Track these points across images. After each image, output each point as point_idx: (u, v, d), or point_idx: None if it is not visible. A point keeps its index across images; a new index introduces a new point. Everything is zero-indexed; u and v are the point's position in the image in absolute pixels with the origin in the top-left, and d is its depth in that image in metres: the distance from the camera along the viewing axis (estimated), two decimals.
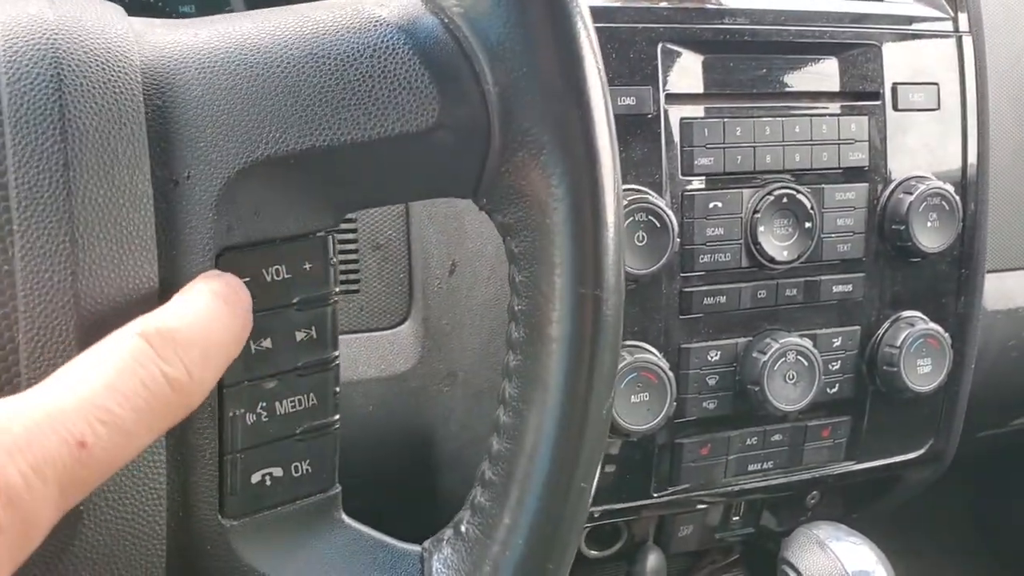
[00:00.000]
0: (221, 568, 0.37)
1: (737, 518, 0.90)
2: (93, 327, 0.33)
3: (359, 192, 0.39)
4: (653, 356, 0.72)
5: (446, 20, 0.37)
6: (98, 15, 0.36)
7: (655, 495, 0.78)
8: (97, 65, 0.34)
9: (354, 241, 0.70)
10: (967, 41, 0.81)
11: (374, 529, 0.42)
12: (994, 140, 0.83)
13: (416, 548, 0.41)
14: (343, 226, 0.70)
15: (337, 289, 0.40)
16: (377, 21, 0.38)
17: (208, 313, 0.34)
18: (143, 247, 0.34)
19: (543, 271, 0.37)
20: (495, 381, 0.72)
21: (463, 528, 0.39)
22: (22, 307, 0.32)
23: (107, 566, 0.35)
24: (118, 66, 0.34)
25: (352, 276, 0.71)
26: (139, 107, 0.35)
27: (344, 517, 0.41)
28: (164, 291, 0.35)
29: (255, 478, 0.38)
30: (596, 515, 0.77)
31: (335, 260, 0.39)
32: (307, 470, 0.39)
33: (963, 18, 0.81)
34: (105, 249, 0.34)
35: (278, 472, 0.38)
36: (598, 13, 0.69)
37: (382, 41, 0.37)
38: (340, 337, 0.40)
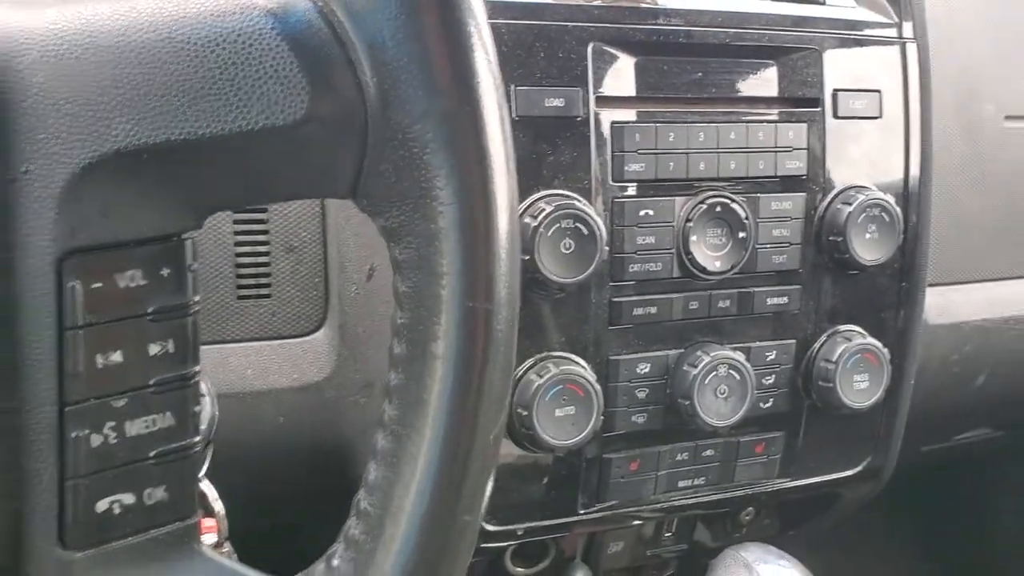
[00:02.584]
0: None
1: (670, 534, 0.87)
2: None
3: (222, 191, 0.35)
4: (580, 368, 0.69)
5: (320, 4, 0.34)
6: None
7: (582, 512, 0.75)
8: None
9: (265, 243, 0.67)
10: (911, 48, 0.79)
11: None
12: (938, 150, 0.81)
13: None
14: (255, 227, 0.67)
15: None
16: (245, 4, 0.34)
17: None
18: None
19: (428, 281, 0.34)
20: None
21: (335, 563, 0.36)
22: None
23: None
24: None
25: (263, 280, 0.67)
26: None
27: (203, 549, 0.37)
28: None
29: (101, 506, 0.34)
30: (520, 532, 0.74)
31: (195, 266, 0.36)
32: (162, 497, 0.35)
33: (908, 25, 0.79)
34: None
35: (128, 499, 0.35)
36: (527, 10, 0.66)
37: (248, 26, 0.34)
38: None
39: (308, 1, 0.34)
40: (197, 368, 0.36)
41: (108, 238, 0.33)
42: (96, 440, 0.34)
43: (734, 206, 0.71)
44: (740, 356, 0.73)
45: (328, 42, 0.34)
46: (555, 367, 0.69)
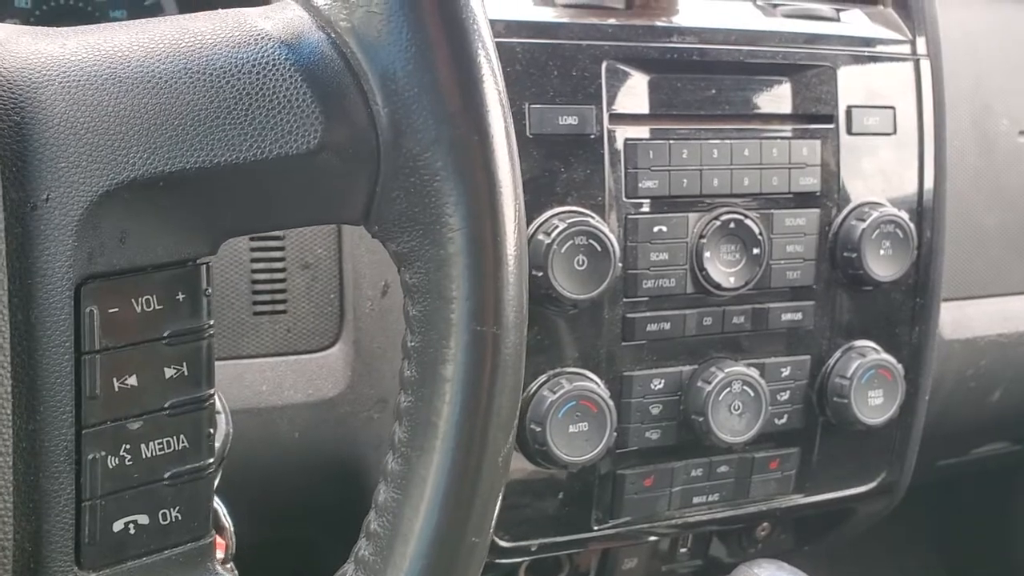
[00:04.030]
0: None
1: (685, 550, 0.87)
2: None
3: (236, 217, 0.36)
4: (593, 384, 0.69)
5: (333, 35, 0.35)
6: None
7: (596, 528, 0.76)
8: None
9: (281, 260, 0.67)
10: (925, 65, 0.79)
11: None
12: (952, 166, 0.81)
13: None
14: (271, 244, 0.68)
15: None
16: (259, 35, 0.35)
17: None
18: None
19: (437, 305, 0.35)
20: None
21: None
22: None
23: None
24: None
25: (279, 296, 0.68)
26: None
27: (217, 568, 0.38)
28: (17, 320, 0.32)
29: (117, 526, 0.35)
30: (534, 548, 0.74)
31: (209, 290, 0.36)
32: (176, 517, 0.36)
33: (921, 41, 0.79)
34: None
35: (143, 520, 0.35)
36: (541, 29, 0.66)
37: (262, 56, 0.34)
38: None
39: (321, 32, 0.35)
40: (212, 391, 0.36)
41: (125, 264, 0.34)
42: (112, 462, 0.34)
43: (748, 222, 0.72)
44: (754, 372, 0.73)
45: (341, 72, 0.34)
46: (568, 383, 0.69)
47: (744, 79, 0.74)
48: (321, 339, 0.69)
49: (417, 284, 0.35)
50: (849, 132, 0.76)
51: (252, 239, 0.67)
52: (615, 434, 0.70)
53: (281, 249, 0.67)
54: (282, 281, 0.68)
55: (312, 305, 0.69)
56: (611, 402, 0.69)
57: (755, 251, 0.72)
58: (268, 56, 0.34)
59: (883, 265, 0.76)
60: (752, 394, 0.73)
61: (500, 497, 0.37)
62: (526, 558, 0.77)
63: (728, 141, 0.72)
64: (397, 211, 0.35)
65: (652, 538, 0.81)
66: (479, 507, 0.35)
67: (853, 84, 0.76)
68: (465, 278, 0.34)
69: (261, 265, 0.67)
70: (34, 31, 0.35)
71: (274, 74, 0.34)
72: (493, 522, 0.37)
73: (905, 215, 0.76)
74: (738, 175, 0.72)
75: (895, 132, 0.78)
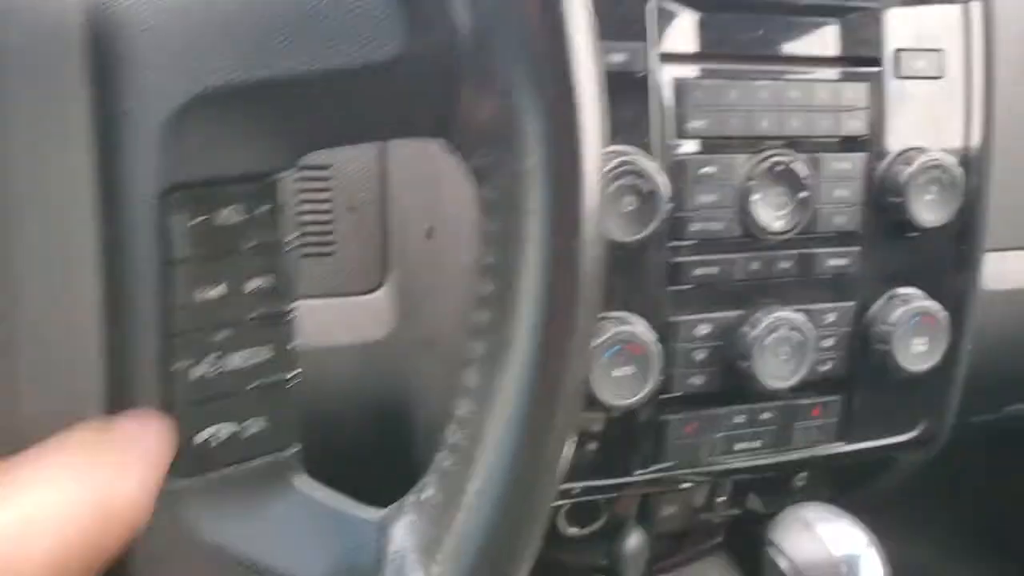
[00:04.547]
0: (164, 532, 0.34)
1: (723, 499, 0.87)
2: (25, 260, 0.30)
3: (318, 129, 0.36)
4: (639, 328, 0.69)
5: None
6: None
7: (638, 473, 0.75)
8: None
9: (328, 202, 0.67)
10: (975, 7, 0.77)
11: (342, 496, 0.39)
12: (1001, 112, 0.80)
13: (378, 514, 0.38)
14: (316, 185, 0.67)
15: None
16: None
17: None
18: (80, 183, 0.31)
19: (517, 220, 0.34)
20: None
21: (425, 495, 0.37)
22: None
23: None
24: None
25: (326, 239, 0.67)
26: (76, 32, 0.32)
27: (302, 480, 0.38)
28: (104, 230, 0.32)
29: (203, 436, 0.35)
30: (576, 491, 0.74)
31: (290, 204, 0.36)
32: (261, 428, 0.36)
33: None
34: (37, 187, 0.31)
35: (229, 429, 0.35)
36: None
37: None
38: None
39: None
40: (294, 305, 0.36)
41: (209, 174, 0.34)
42: (198, 371, 0.34)
43: (796, 165, 0.71)
44: (801, 317, 0.72)
45: None
46: (613, 327, 0.69)
47: (793, 20, 0.73)
48: (367, 282, 0.69)
49: (495, 199, 0.35)
50: (896, 75, 0.75)
51: (299, 179, 0.66)
52: (660, 379, 0.70)
53: (328, 191, 0.67)
54: (328, 223, 0.67)
55: (358, 248, 0.68)
56: (657, 346, 0.69)
57: (802, 195, 0.72)
58: None
59: (929, 211, 0.75)
60: (798, 339, 0.72)
61: (578, 413, 0.37)
62: (568, 501, 0.77)
63: (776, 82, 0.71)
64: (477, 126, 0.35)
65: (692, 484, 0.81)
66: (560, 420, 0.35)
67: (901, 26, 0.75)
68: (545, 191, 0.34)
69: (308, 207, 0.67)
70: None
71: None
72: (572, 437, 0.37)
73: (952, 160, 0.75)
74: (786, 117, 0.71)
75: (943, 76, 0.77)
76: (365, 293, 0.69)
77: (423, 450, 0.73)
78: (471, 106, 0.34)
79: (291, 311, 0.36)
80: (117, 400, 0.33)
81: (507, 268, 0.35)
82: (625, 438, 0.74)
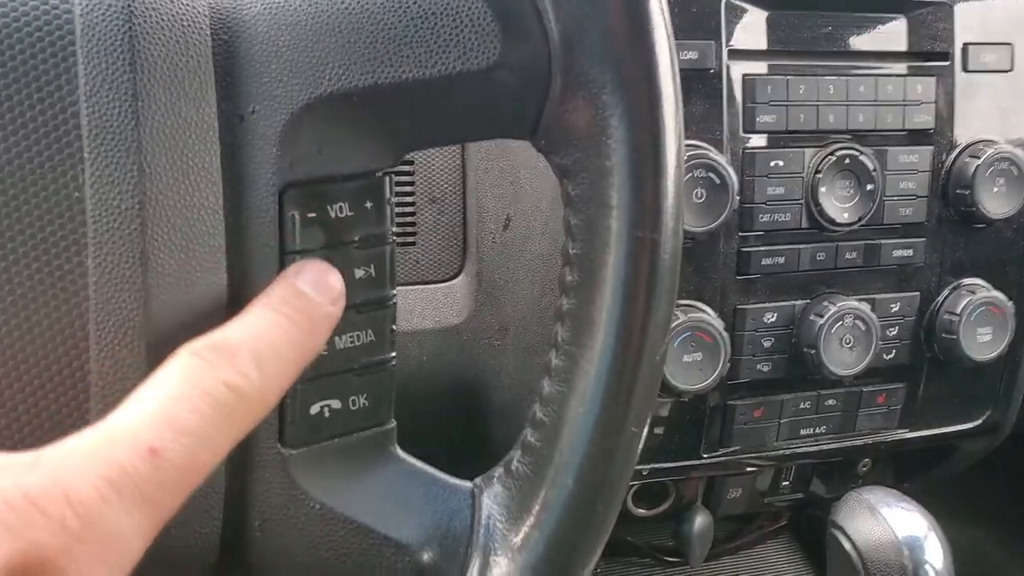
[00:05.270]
0: (279, 494, 0.38)
1: (787, 483, 0.89)
2: (160, 249, 0.34)
3: (418, 131, 0.39)
4: (708, 316, 0.71)
5: None
6: None
7: (705, 456, 0.78)
8: (166, 2, 0.34)
9: (412, 194, 0.71)
10: None
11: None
12: None
13: (468, 484, 0.41)
14: (401, 179, 0.71)
15: (395, 232, 0.40)
16: None
17: (260, 324, 0.35)
18: (208, 179, 0.35)
19: (600, 214, 0.37)
20: (546, 335, 0.72)
21: (513, 466, 0.40)
22: (91, 232, 0.33)
23: None
24: (187, 3, 0.35)
25: (409, 229, 0.71)
26: (206, 41, 0.35)
27: (399, 451, 0.41)
28: (229, 222, 0.35)
29: (314, 409, 0.39)
30: (644, 473, 0.77)
31: (392, 200, 0.39)
32: (364, 404, 0.40)
33: None
34: (171, 179, 0.34)
35: (336, 404, 0.39)
36: None
37: None
38: (397, 289, 0.40)
39: None
40: (394, 292, 0.40)
41: (321, 173, 0.37)
42: None
43: (863, 158, 0.73)
44: (866, 307, 0.74)
45: None
46: (683, 314, 0.71)
47: (860, 16, 0.74)
48: (446, 270, 0.73)
49: (580, 194, 0.38)
50: (965, 69, 0.76)
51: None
52: (728, 365, 0.72)
53: (411, 184, 0.70)
54: (412, 215, 0.71)
55: (438, 237, 0.72)
56: (725, 334, 0.71)
57: (869, 187, 0.73)
58: None
59: (996, 202, 0.76)
60: (863, 328, 0.74)
61: (656, 394, 0.39)
62: (636, 482, 0.80)
63: (844, 78, 0.73)
64: (563, 125, 0.38)
65: (756, 468, 0.83)
66: (639, 399, 0.38)
67: (970, 21, 0.76)
68: (627, 187, 0.37)
69: (394, 199, 0.70)
70: None
71: None
72: (649, 417, 0.39)
73: (1020, 152, 0.76)
74: (853, 111, 0.73)
75: (1012, 69, 0.78)
76: (444, 281, 0.73)
77: (496, 430, 0.76)
78: (559, 108, 0.37)
79: (391, 298, 0.40)
80: None
81: (591, 258, 0.37)
82: (693, 422, 0.76)
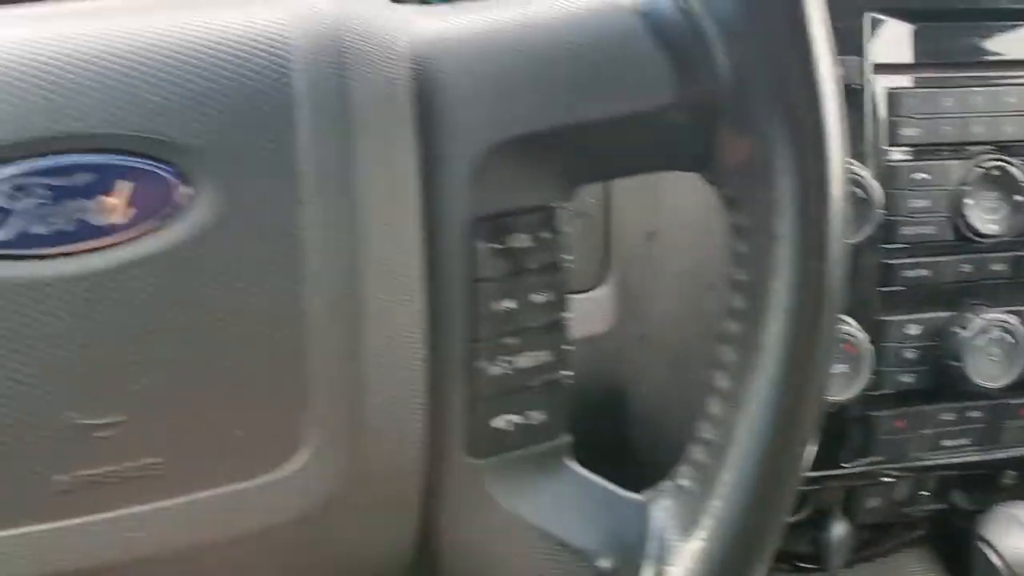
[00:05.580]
0: (469, 502, 0.41)
1: (927, 494, 0.89)
2: (371, 281, 0.37)
3: (592, 168, 0.42)
4: (851, 328, 0.72)
5: (683, 4, 0.39)
6: (370, 5, 0.40)
7: (845, 465, 0.79)
8: (374, 53, 0.38)
9: None
10: None
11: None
12: None
13: (638, 496, 0.44)
14: None
15: (568, 257, 0.43)
16: (616, 5, 0.40)
17: None
18: (411, 216, 0.38)
19: (767, 243, 0.39)
20: (687, 346, 0.74)
21: (682, 482, 0.42)
22: (310, 273, 0.36)
23: (372, 500, 0.39)
24: (391, 53, 0.38)
25: None
26: (408, 91, 0.38)
27: (574, 464, 0.44)
28: (426, 254, 0.39)
29: (497, 423, 0.41)
30: None
31: (567, 231, 0.42)
32: (542, 418, 0.42)
33: None
34: (379, 218, 0.38)
35: (517, 419, 0.42)
36: None
37: (622, 25, 0.39)
38: None
39: (671, 1, 0.40)
40: (569, 315, 0.42)
41: (506, 207, 0.40)
42: (495, 370, 0.41)
43: (1011, 169, 0.72)
44: (1013, 319, 0.74)
45: (689, 36, 0.39)
46: None
47: (1005, 25, 0.74)
48: (591, 280, 0.75)
49: (747, 224, 0.40)
50: None
51: None
52: (871, 376, 0.72)
53: None
54: None
55: (584, 249, 0.74)
56: (869, 346, 0.72)
57: (1017, 198, 0.73)
58: (627, 25, 0.39)
59: None
60: (1011, 341, 0.73)
61: (821, 413, 0.41)
62: None
63: (990, 88, 0.73)
64: (731, 159, 0.40)
65: (896, 479, 0.83)
66: (806, 420, 0.40)
67: None
68: (794, 218, 0.38)
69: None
70: (423, 10, 0.42)
71: (633, 41, 0.39)
72: (814, 436, 0.41)
73: None
74: (1001, 122, 0.72)
75: None
76: (588, 291, 0.75)
77: (636, 437, 0.78)
78: (727, 143, 0.39)
79: (566, 319, 0.42)
80: (435, 395, 0.40)
81: (758, 286, 0.39)
82: (835, 432, 0.77)
